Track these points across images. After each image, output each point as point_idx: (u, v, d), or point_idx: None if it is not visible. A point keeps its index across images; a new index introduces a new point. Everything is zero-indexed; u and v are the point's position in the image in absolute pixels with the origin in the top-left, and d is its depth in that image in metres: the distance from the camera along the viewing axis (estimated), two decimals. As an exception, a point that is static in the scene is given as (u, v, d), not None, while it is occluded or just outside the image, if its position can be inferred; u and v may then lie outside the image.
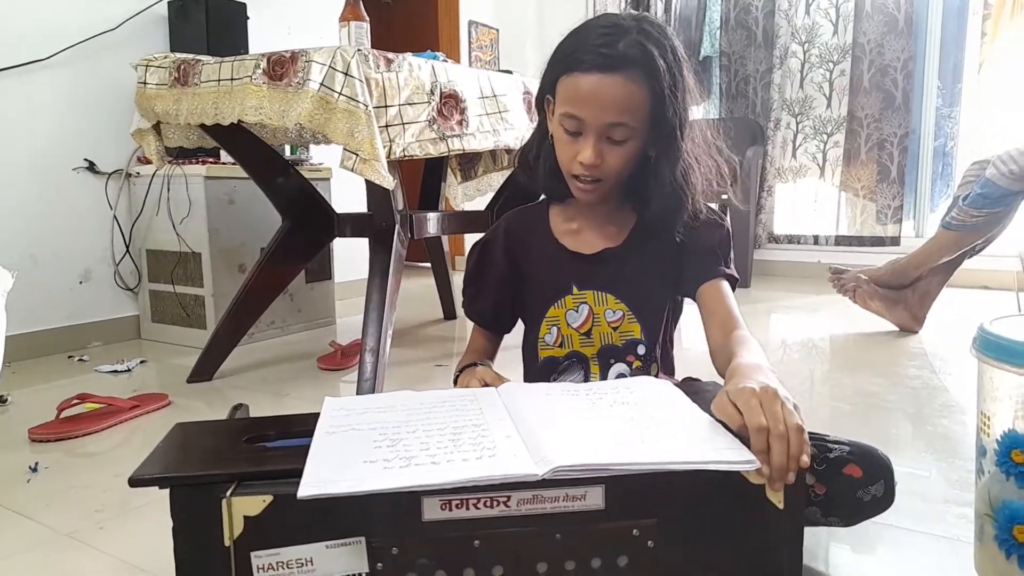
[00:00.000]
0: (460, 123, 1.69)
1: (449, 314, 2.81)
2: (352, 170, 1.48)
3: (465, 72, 1.75)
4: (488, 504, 0.63)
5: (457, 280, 2.94)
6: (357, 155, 1.46)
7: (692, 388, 0.87)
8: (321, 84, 1.46)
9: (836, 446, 0.97)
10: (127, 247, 2.46)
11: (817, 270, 3.75)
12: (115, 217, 2.43)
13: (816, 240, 3.86)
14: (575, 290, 1.11)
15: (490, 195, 2.56)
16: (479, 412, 0.78)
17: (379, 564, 0.64)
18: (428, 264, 2.85)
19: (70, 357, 2.25)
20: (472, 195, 2.67)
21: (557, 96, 1.02)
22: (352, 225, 2.03)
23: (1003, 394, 0.83)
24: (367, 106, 1.46)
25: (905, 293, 2.44)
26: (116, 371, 2.08)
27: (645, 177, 1.05)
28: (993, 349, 0.83)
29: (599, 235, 1.12)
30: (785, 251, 3.92)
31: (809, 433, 0.95)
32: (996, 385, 0.84)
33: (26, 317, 2.21)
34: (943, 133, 3.54)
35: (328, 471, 0.64)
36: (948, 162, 3.56)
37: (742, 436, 0.70)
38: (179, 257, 2.37)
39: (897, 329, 2.45)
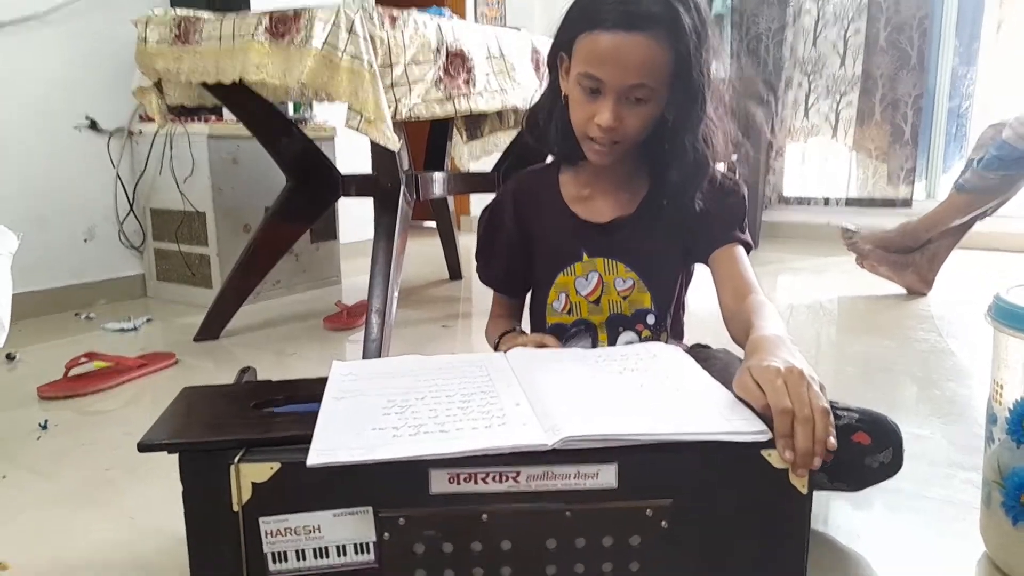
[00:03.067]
0: (467, 82, 1.65)
1: (455, 274, 2.80)
2: (357, 129, 1.45)
3: (472, 30, 1.71)
4: (497, 479, 0.63)
5: (463, 240, 2.95)
6: (361, 115, 1.43)
7: (702, 355, 0.86)
8: (324, 42, 1.43)
9: (845, 413, 0.96)
10: (131, 206, 2.44)
11: (826, 232, 3.71)
12: (118, 175, 2.41)
13: (826, 202, 3.82)
14: (585, 257, 1.09)
15: (497, 155, 2.52)
16: (488, 379, 0.77)
17: (386, 534, 0.64)
18: (433, 223, 2.83)
19: (76, 315, 2.25)
20: (478, 155, 2.63)
21: (575, 55, 0.97)
22: (357, 185, 2.00)
23: (1016, 362, 0.82)
24: (371, 65, 1.43)
25: (914, 256, 2.41)
26: (123, 329, 2.08)
27: (661, 140, 1.02)
28: (1008, 317, 0.82)
29: (611, 202, 1.09)
30: (795, 212, 3.88)
31: (818, 400, 0.96)
32: (1010, 353, 0.83)
33: (32, 275, 2.21)
34: (958, 93, 3.47)
35: (337, 439, 0.64)
36: (963, 123, 3.49)
37: (765, 417, 0.67)
38: (183, 216, 2.36)
39: (905, 292, 2.43)
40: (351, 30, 1.43)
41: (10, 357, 1.82)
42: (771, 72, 3.81)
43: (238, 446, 0.65)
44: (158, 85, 1.81)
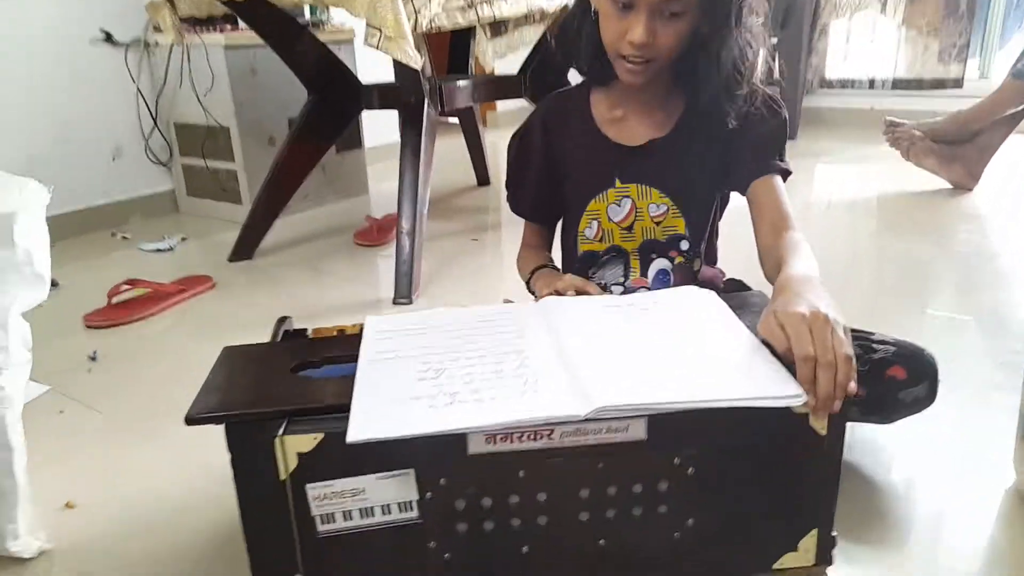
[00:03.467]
0: (489, -14, 1.56)
1: (482, 180, 2.76)
2: (376, 47, 1.39)
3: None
4: (532, 437, 0.64)
5: (490, 139, 2.88)
6: (381, 31, 1.37)
7: (737, 301, 0.85)
8: (338, -48, 1.35)
9: (881, 347, 0.96)
10: (155, 121, 2.42)
11: (870, 118, 3.55)
12: (139, 90, 2.37)
13: (871, 84, 3.62)
14: (618, 183, 1.06)
15: (523, 51, 2.41)
16: (520, 336, 0.77)
17: (428, 494, 0.66)
18: (457, 120, 2.76)
19: (113, 235, 2.28)
20: (503, 52, 2.52)
21: None
22: (379, 96, 1.95)
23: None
24: (388, -24, 1.35)
25: (964, 148, 2.30)
26: (159, 250, 2.11)
27: (696, 58, 0.96)
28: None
29: (645, 123, 1.05)
30: (837, 96, 3.70)
31: (854, 331, 0.95)
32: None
33: (65, 196, 2.23)
34: (1023, -41, 3.19)
35: (374, 411, 0.65)
36: (1025, -7, 3.23)
37: (787, 360, 0.68)
38: (207, 131, 2.33)
39: (951, 187, 2.34)
40: (365, -62, 1.34)
41: (54, 284, 1.86)
42: (817, -57, 3.52)
43: (282, 416, 0.67)
44: (170, 1, 1.74)
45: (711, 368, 0.69)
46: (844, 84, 3.69)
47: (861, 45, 3.63)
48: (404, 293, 1.63)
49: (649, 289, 1.06)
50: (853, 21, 3.60)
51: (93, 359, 1.44)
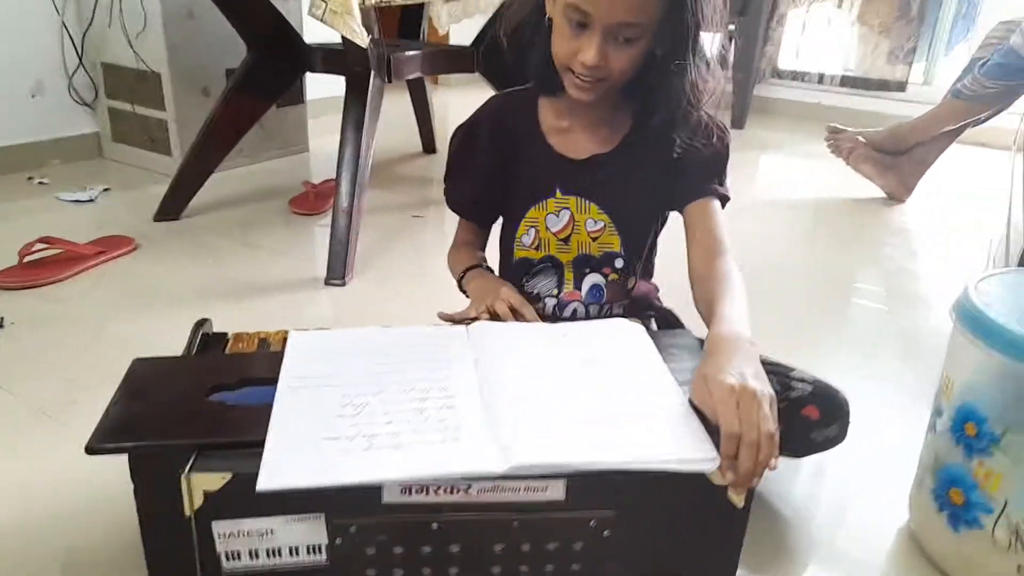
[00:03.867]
0: (445, -38, 1.49)
1: (428, 147, 2.70)
2: (321, 20, 1.32)
3: None
4: (448, 491, 0.64)
5: (439, 100, 2.81)
6: (327, 4, 1.30)
7: (666, 340, 0.85)
8: (284, -85, 1.26)
9: (799, 384, 0.98)
10: (80, 59, 2.26)
11: (816, 112, 3.61)
12: (64, 24, 2.20)
13: (821, 79, 3.67)
14: (558, 194, 1.05)
15: (480, 20, 2.34)
16: (447, 368, 0.76)
17: (338, 539, 0.65)
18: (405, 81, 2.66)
19: (30, 179, 2.15)
20: (458, 16, 2.42)
21: None
22: (324, 59, 1.87)
23: (970, 367, 0.83)
24: (338, -53, 1.27)
25: (900, 159, 2.37)
26: (79, 200, 2.00)
27: (647, 78, 0.95)
28: (971, 322, 0.81)
29: (590, 137, 1.04)
30: (787, 88, 3.74)
31: (774, 366, 0.98)
32: (966, 355, 0.84)
33: (-23, 134, 2.09)
34: (975, -31, 3.25)
35: (287, 455, 0.63)
36: (973, 4, 3.30)
37: (714, 426, 0.69)
38: (137, 75, 2.19)
39: (885, 196, 2.41)
40: (314, -97, 1.26)
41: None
42: (781, -71, 3.51)
43: (190, 449, 0.64)
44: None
45: (634, 425, 0.69)
46: (795, 76, 3.73)
47: (815, 38, 3.66)
48: (337, 274, 1.59)
49: (582, 302, 1.07)
50: (810, 13, 3.62)
51: (0, 326, 1.36)
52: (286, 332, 0.88)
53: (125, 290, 1.55)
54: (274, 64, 1.86)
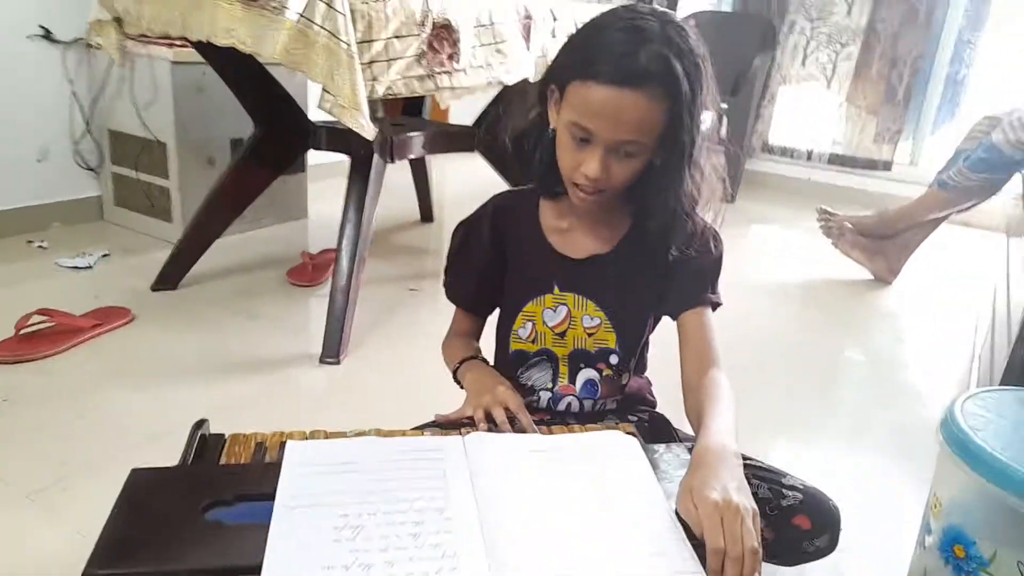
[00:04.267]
0: (451, 57, 1.55)
1: (426, 216, 2.74)
2: (330, 112, 1.37)
3: (461, -6, 1.58)
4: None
5: (436, 167, 2.86)
6: (336, 99, 1.34)
7: (657, 456, 0.87)
8: (300, 15, 1.31)
9: (790, 493, 0.99)
10: (87, 125, 2.30)
11: (805, 187, 3.71)
12: (74, 93, 2.25)
13: (809, 156, 3.77)
14: (556, 290, 1.07)
15: (482, 100, 2.41)
16: (444, 488, 0.77)
17: (332, 668, 0.65)
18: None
19: (29, 243, 2.17)
20: (460, 94, 2.51)
21: (566, 99, 0.92)
22: (328, 138, 1.91)
23: (957, 488, 0.85)
24: (350, 46, 1.32)
25: (886, 244, 2.43)
26: (77, 267, 2.02)
27: (647, 185, 0.98)
28: (958, 446, 0.83)
29: (590, 238, 1.07)
30: (777, 163, 3.84)
31: (765, 471, 0.99)
32: (954, 477, 0.85)
33: (-18, 197, 2.11)
34: (959, 59, 3.38)
35: (284, 585, 0.63)
36: (958, 91, 3.43)
37: (699, 538, 0.70)
38: (143, 144, 2.23)
39: (872, 277, 2.46)
40: (330, 3, 1.32)
41: (-42, 298, 1.76)
42: (774, 13, 3.64)
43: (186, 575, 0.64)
44: (117, 19, 1.66)
45: (625, 544, 0.70)
46: (784, 152, 3.83)
47: (804, 116, 3.78)
48: (332, 353, 1.60)
49: (576, 397, 1.08)
50: (800, 91, 3.74)
51: (-6, 402, 1.36)
52: (282, 436, 0.89)
53: (120, 365, 1.55)
54: (279, 141, 1.91)
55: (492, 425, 0.94)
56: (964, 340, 2.03)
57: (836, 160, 3.70)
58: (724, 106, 3.48)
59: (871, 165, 3.60)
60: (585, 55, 0.89)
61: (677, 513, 0.74)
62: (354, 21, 1.35)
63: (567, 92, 0.92)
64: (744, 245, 2.87)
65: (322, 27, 1.32)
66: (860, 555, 1.11)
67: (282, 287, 2.03)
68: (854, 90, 3.60)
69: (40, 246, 2.15)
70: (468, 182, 3.13)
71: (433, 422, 1.04)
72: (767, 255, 2.80)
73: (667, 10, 0.96)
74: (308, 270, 2.07)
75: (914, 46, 3.38)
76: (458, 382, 1.10)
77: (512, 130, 1.10)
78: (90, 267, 2.02)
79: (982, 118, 2.30)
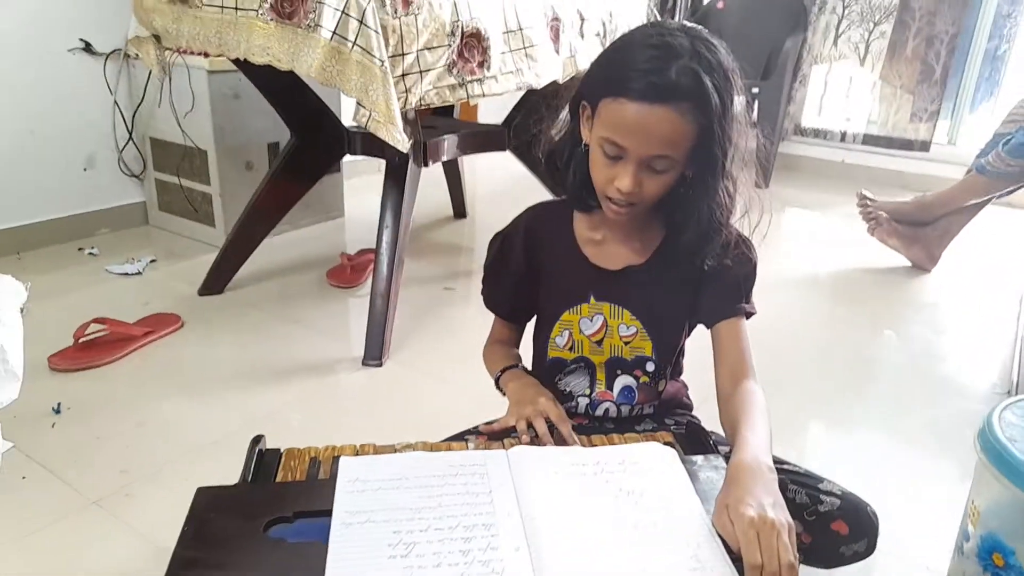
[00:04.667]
0: (481, 64, 1.57)
1: (459, 212, 2.77)
2: (365, 127, 1.40)
3: (489, 2, 1.60)
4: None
5: (467, 163, 2.88)
6: (371, 114, 1.37)
7: (695, 467, 0.89)
8: (334, 33, 1.34)
9: (827, 498, 1.01)
10: (130, 134, 2.38)
11: (839, 169, 3.66)
12: (116, 102, 2.32)
13: (843, 137, 3.71)
14: (592, 300, 1.10)
15: (512, 96, 2.42)
16: (490, 502, 0.81)
17: None
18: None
19: (80, 250, 2.25)
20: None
21: (598, 116, 0.95)
22: (363, 143, 1.95)
23: (995, 498, 0.86)
24: (383, 62, 1.35)
25: (925, 230, 2.39)
26: (127, 273, 2.09)
27: (679, 196, 1.00)
28: (995, 458, 0.84)
29: (624, 249, 1.09)
30: (810, 146, 3.78)
31: (802, 476, 1.01)
32: (991, 488, 0.86)
33: (36, 205, 2.20)
34: (998, 34, 3.29)
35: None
36: (998, 67, 3.34)
37: (736, 552, 0.72)
38: (184, 151, 2.30)
39: (910, 264, 2.43)
40: (362, 20, 1.35)
41: (20, 309, 1.84)
42: (806, -8, 3.58)
43: (252, 591, 0.69)
44: (156, 36, 1.71)
45: (664, 561, 0.73)
46: (817, 134, 3.77)
47: (837, 97, 3.71)
48: (375, 355, 1.65)
49: (614, 403, 1.11)
50: (832, 71, 3.68)
51: (57, 411, 1.43)
52: (334, 450, 0.93)
53: (173, 372, 1.62)
54: (315, 149, 1.95)
55: (534, 435, 0.98)
56: (1006, 329, 2.01)
57: (871, 141, 3.64)
58: (755, 90, 3.46)
59: (907, 145, 3.54)
60: (616, 72, 0.91)
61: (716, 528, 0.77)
62: (385, 36, 1.38)
63: (599, 109, 0.94)
64: (778, 232, 2.85)
65: (355, 44, 1.35)
66: (899, 557, 1.13)
67: (322, 289, 2.08)
68: (888, 69, 3.53)
69: (91, 253, 2.23)
70: (500, 177, 3.16)
71: (476, 429, 1.08)
72: (801, 242, 2.78)
73: (696, 25, 0.97)
74: (347, 272, 2.12)
75: (951, 22, 3.30)
76: (500, 389, 1.13)
77: (545, 145, 1.12)
78: (139, 273, 2.10)
79: (1020, 100, 2.25)
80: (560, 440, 0.97)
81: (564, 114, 1.08)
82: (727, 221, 1.02)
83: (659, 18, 2.70)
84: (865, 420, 1.57)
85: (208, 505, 0.82)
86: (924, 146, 3.50)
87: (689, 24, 0.96)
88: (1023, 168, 2.11)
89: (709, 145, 0.92)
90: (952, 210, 2.33)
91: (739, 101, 0.96)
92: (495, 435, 1.00)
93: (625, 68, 0.90)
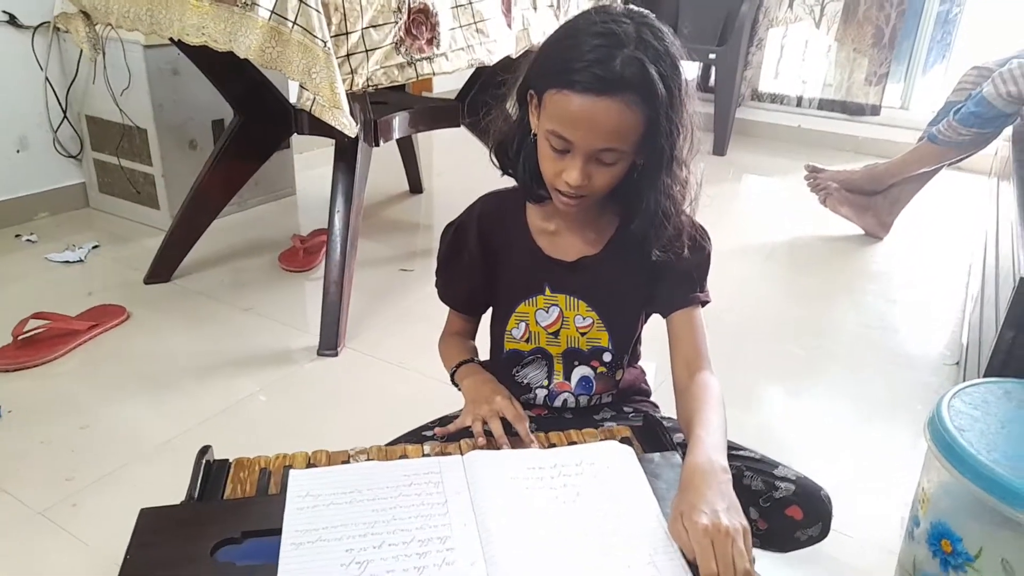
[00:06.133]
0: (430, 42, 1.51)
1: (415, 187, 2.71)
2: (310, 111, 1.34)
3: (437, -25, 1.53)
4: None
5: (424, 144, 2.82)
6: (315, 98, 1.32)
7: (653, 467, 0.89)
8: (272, 12, 1.27)
9: (782, 484, 1.02)
10: (64, 112, 2.26)
11: (796, 135, 3.67)
12: (47, 79, 2.20)
13: (799, 102, 3.72)
14: (548, 292, 1.08)
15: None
16: (445, 515, 0.79)
17: None
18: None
19: (17, 236, 2.15)
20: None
21: (544, 108, 0.92)
22: (311, 122, 1.86)
23: (944, 486, 0.87)
24: (326, 43, 1.29)
25: (876, 199, 2.42)
26: (68, 261, 2.01)
27: (630, 186, 0.98)
28: (944, 447, 0.86)
29: (577, 240, 1.07)
30: (767, 112, 3.78)
31: (757, 462, 1.02)
32: (940, 475, 0.88)
33: (-36, 193, 2.09)
34: (950, -2, 3.30)
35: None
36: (949, 30, 3.37)
37: (692, 560, 0.72)
38: (123, 130, 2.19)
39: (863, 232, 2.46)
40: (301, -2, 1.28)
41: (-50, 304, 1.76)
42: (760, -45, 3.54)
43: (199, 620, 0.67)
44: (84, 12, 1.61)
45: (623, 568, 0.73)
46: (774, 99, 3.78)
47: (794, 62, 3.71)
48: (330, 345, 1.62)
49: (572, 393, 1.10)
50: (788, 35, 3.67)
51: (-2, 415, 1.38)
52: (285, 459, 0.91)
53: (119, 368, 1.56)
54: (261, 127, 1.87)
55: (491, 436, 0.96)
56: (955, 297, 2.05)
57: (826, 105, 3.65)
58: (712, 56, 3.43)
59: (860, 110, 3.56)
60: (560, 63, 0.88)
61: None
62: (328, 14, 1.31)
63: (544, 101, 0.90)
64: (735, 202, 2.86)
65: (296, 23, 1.28)
66: (853, 537, 1.15)
67: (275, 273, 2.03)
68: (843, 32, 3.53)
69: (28, 240, 2.13)
70: (456, 150, 3.09)
71: (432, 426, 1.06)
72: (757, 211, 2.80)
73: (643, 10, 0.94)
74: (299, 255, 2.06)
75: (903, -15, 3.31)
76: (455, 384, 1.11)
77: (494, 136, 1.08)
78: (81, 260, 2.01)
79: (970, 68, 2.27)
80: (518, 441, 0.95)
81: (512, 102, 1.04)
82: (679, 210, 1.01)
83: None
84: (819, 393, 1.59)
85: (152, 528, 0.79)
86: (875, 110, 3.53)
87: (636, 8, 0.93)
88: (974, 136, 2.13)
89: (656, 135, 0.90)
90: (903, 179, 2.35)
91: (687, 88, 0.94)
92: (451, 437, 0.99)
93: (569, 59, 0.87)
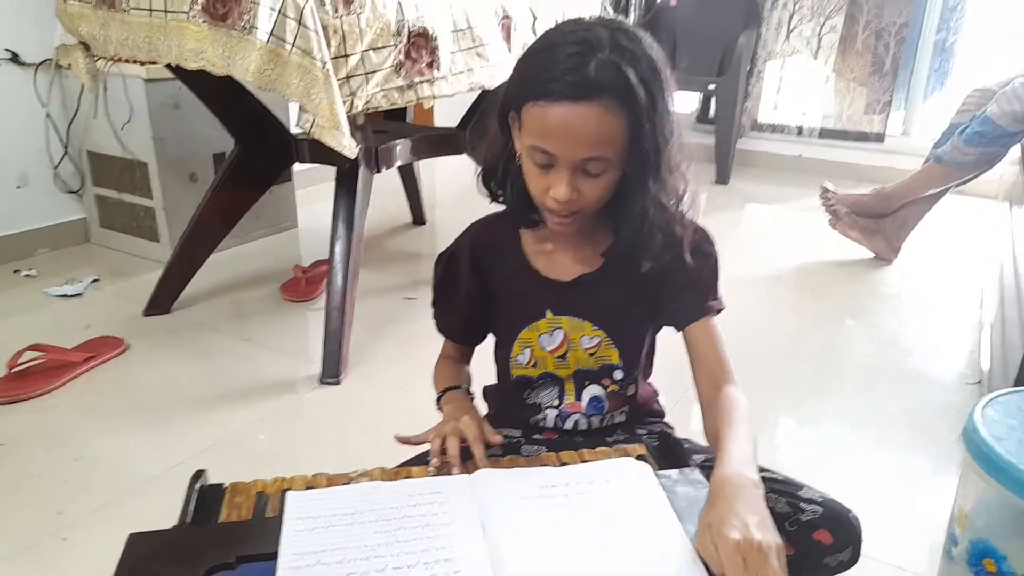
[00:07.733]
0: (430, 65, 1.50)
1: (418, 218, 2.69)
2: (309, 133, 1.33)
3: (436, 1, 1.53)
4: None
5: (426, 176, 2.82)
6: (314, 119, 1.30)
7: (670, 482, 0.84)
8: (271, 34, 1.27)
9: (809, 507, 0.96)
10: (65, 148, 2.26)
11: (797, 164, 3.67)
12: (48, 115, 2.20)
13: (800, 131, 3.73)
14: (549, 315, 1.04)
15: (468, 97, 2.36)
16: (451, 536, 0.74)
17: None
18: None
19: (16, 272, 2.13)
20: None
21: (523, 124, 0.88)
22: (312, 151, 1.86)
23: (983, 501, 0.82)
24: (325, 64, 1.28)
25: (885, 221, 2.40)
26: (67, 295, 1.98)
27: (620, 198, 0.94)
28: (982, 459, 0.81)
29: (575, 259, 1.03)
30: (767, 141, 3.79)
31: (782, 484, 0.96)
32: (979, 489, 0.83)
33: (-36, 229, 2.07)
34: (945, 27, 3.33)
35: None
36: (947, 58, 3.39)
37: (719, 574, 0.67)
38: (124, 164, 2.19)
39: (870, 257, 2.43)
40: (300, 20, 1.27)
41: (-54, 339, 1.72)
42: (757, -12, 3.59)
43: (189, 650, 0.62)
44: (84, 44, 1.61)
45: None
46: (775, 129, 3.79)
47: (792, 92, 3.73)
48: (332, 373, 1.58)
49: (584, 414, 1.05)
50: (786, 66, 3.69)
51: (-11, 449, 1.33)
52: (283, 483, 0.86)
53: (116, 400, 1.52)
54: (261, 157, 1.86)
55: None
56: (970, 318, 2.01)
57: (827, 134, 3.66)
58: (711, 87, 3.45)
59: (862, 137, 3.57)
60: (536, 76, 0.85)
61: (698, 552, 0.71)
62: (327, 36, 1.31)
63: (523, 117, 0.87)
64: (739, 229, 2.84)
65: (295, 45, 1.27)
66: (883, 562, 1.09)
67: (276, 304, 1.99)
68: (841, 62, 3.55)
69: (28, 275, 2.11)
70: (458, 181, 3.08)
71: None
72: (763, 238, 2.77)
73: (617, 17, 0.91)
74: (301, 285, 2.04)
75: (899, 14, 3.34)
76: (440, 409, 1.07)
77: (478, 162, 1.05)
78: (80, 294, 1.99)
79: (972, 90, 2.27)
80: (531, 461, 0.91)
81: (494, 129, 1.01)
82: (671, 217, 0.97)
83: (613, 15, 2.67)
84: (838, 417, 1.54)
85: (142, 553, 0.74)
86: (879, 138, 3.53)
87: (609, 17, 0.91)
88: (980, 156, 2.12)
89: (639, 140, 0.87)
90: (910, 201, 2.33)
91: (669, 90, 0.91)
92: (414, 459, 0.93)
93: (544, 70, 0.84)
